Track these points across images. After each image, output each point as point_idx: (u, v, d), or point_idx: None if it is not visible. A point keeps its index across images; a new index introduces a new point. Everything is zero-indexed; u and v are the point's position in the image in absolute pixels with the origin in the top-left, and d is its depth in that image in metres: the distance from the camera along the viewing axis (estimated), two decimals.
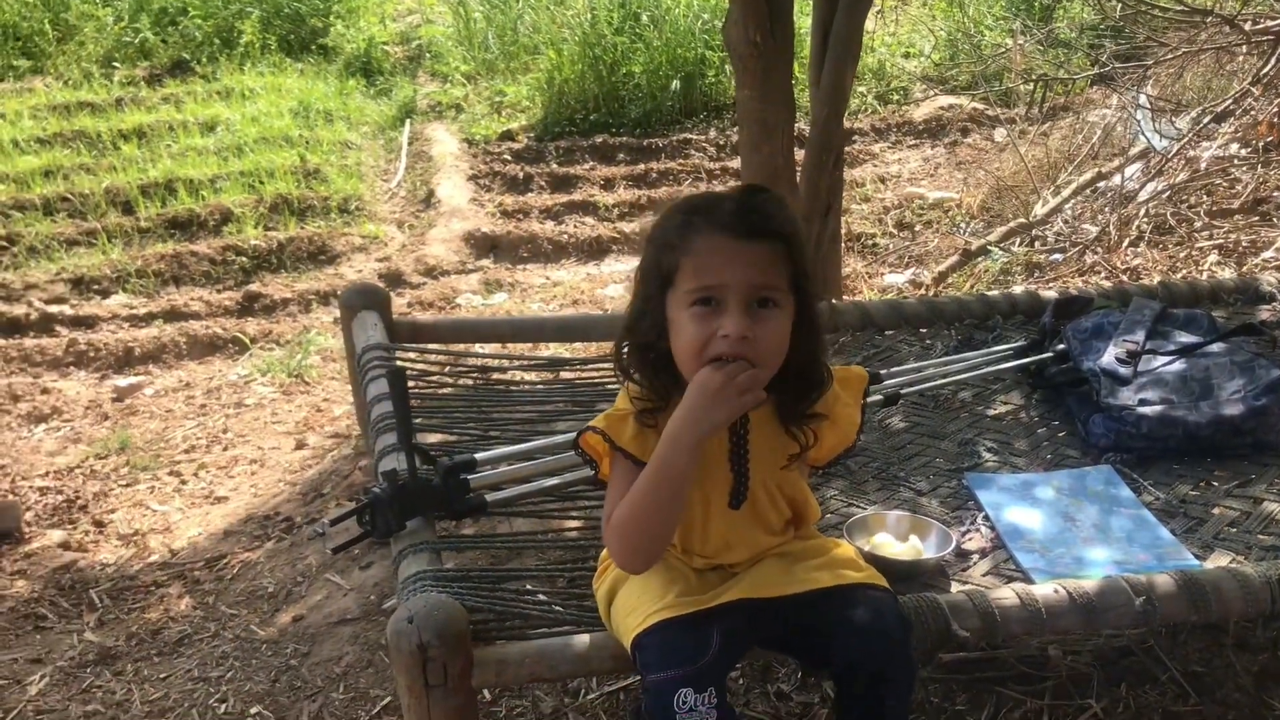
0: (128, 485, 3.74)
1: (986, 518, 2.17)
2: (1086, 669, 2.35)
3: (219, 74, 8.93)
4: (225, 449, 4.08)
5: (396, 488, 1.93)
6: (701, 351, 1.53)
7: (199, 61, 9.14)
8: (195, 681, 2.58)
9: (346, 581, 2.87)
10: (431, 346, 2.82)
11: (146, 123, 7.83)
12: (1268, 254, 4.59)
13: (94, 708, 2.54)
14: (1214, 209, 5.08)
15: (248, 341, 5.15)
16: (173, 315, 5.45)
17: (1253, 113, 5.48)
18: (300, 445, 3.98)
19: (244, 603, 2.89)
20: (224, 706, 2.48)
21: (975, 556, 2.05)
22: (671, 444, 1.54)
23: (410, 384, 2.55)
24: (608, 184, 7.11)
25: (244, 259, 6.05)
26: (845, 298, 4.76)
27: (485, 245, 6.31)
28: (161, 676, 2.63)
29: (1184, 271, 4.59)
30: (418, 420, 2.35)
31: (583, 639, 1.74)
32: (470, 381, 2.80)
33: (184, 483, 3.80)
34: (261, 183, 6.81)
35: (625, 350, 1.65)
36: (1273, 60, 4.91)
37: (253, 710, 2.46)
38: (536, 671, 1.73)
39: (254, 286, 5.79)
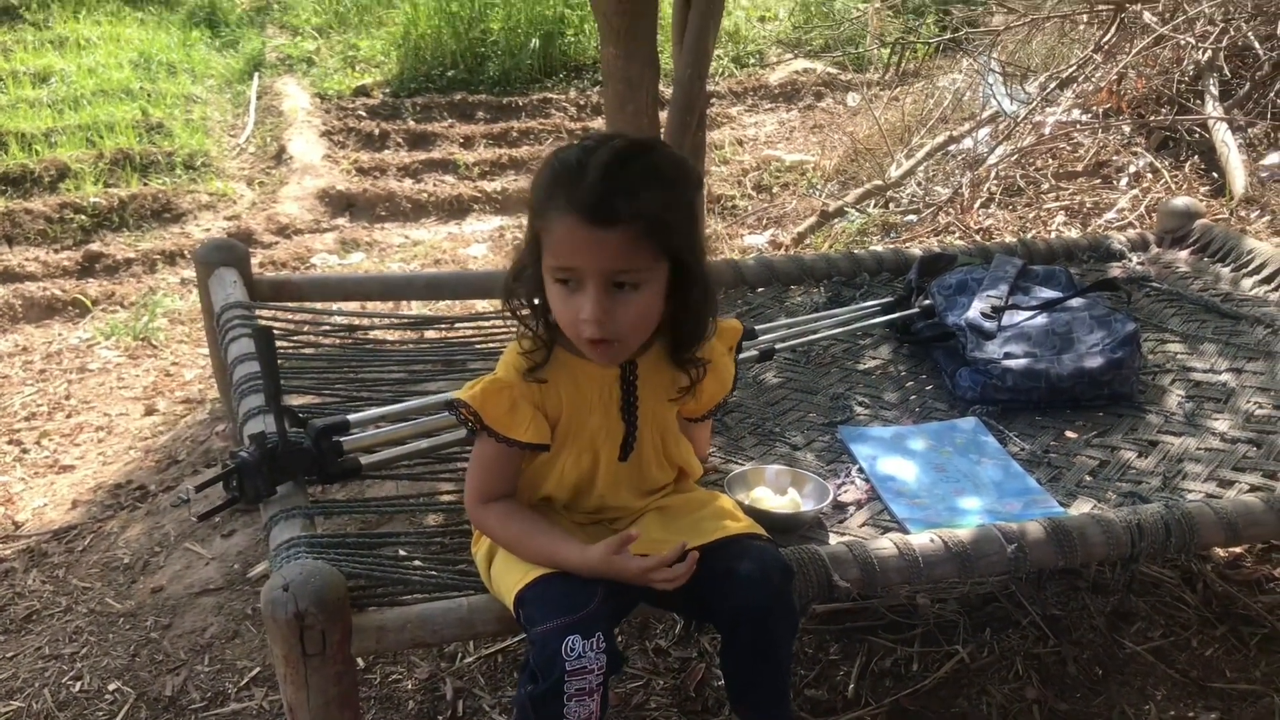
0: None
1: (861, 470, 2.20)
2: (954, 616, 2.43)
3: (51, 22, 8.48)
4: (69, 416, 3.90)
5: (265, 451, 1.84)
6: (571, 326, 1.52)
7: (28, 8, 8.65)
8: (46, 659, 2.45)
9: (208, 550, 2.76)
10: (294, 305, 2.72)
11: None
12: (1110, 214, 4.78)
13: None
14: (1059, 171, 5.26)
15: (89, 304, 4.93)
16: (6, 276, 5.20)
17: (1095, 80, 5.68)
18: (150, 411, 3.82)
19: (98, 575, 2.75)
20: (79, 684, 2.36)
21: (852, 508, 2.08)
22: (576, 563, 1.56)
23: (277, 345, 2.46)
24: (467, 142, 7.00)
25: (83, 217, 5.80)
26: (711, 259, 4.78)
27: (341, 203, 6.16)
28: (8, 655, 2.49)
29: (1034, 231, 4.75)
30: (284, 382, 2.25)
31: (463, 602, 1.70)
32: (336, 341, 2.71)
33: (25, 451, 3.62)
34: (100, 137, 6.52)
35: (514, 297, 1.61)
36: (1113, 29, 5.09)
37: (111, 686, 2.35)
38: (418, 637, 1.69)
39: (95, 246, 5.55)
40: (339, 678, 1.65)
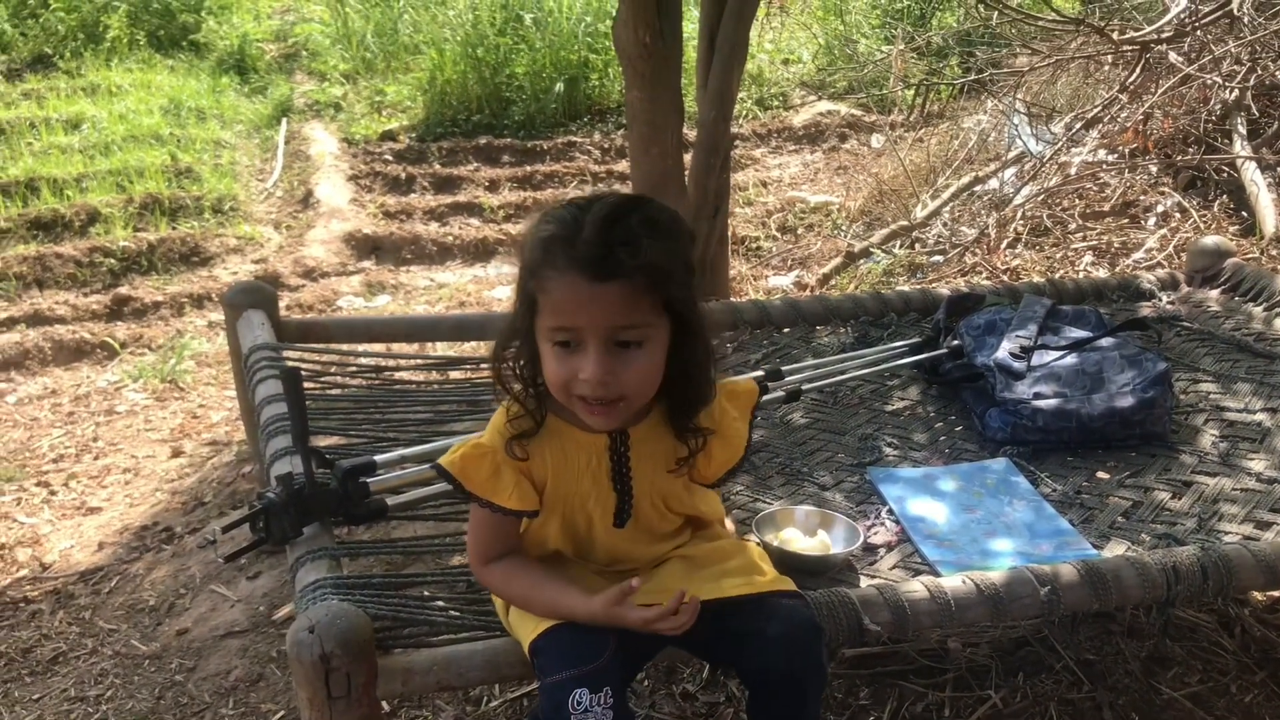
0: None
1: (891, 511, 2.18)
2: (986, 660, 2.39)
3: (84, 69, 8.60)
4: (96, 458, 3.91)
5: (292, 492, 1.84)
6: (566, 387, 1.48)
7: (62, 56, 8.79)
8: (72, 701, 2.45)
9: (233, 592, 2.76)
10: (321, 346, 2.72)
11: (6, 119, 7.51)
12: (1138, 255, 4.75)
13: None
14: (1086, 212, 5.24)
15: (117, 346, 4.97)
16: (36, 319, 5.24)
17: (1120, 120, 5.67)
18: (177, 453, 3.84)
19: (124, 617, 2.75)
20: None
21: (882, 550, 2.06)
22: (582, 614, 1.54)
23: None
24: (492, 185, 7.04)
25: (112, 261, 5.85)
26: (736, 299, 4.79)
27: (367, 247, 6.19)
28: (34, 698, 2.48)
29: (1061, 272, 4.72)
30: (311, 423, 2.25)
31: (490, 644, 1.69)
32: (363, 382, 2.71)
33: (53, 493, 3.63)
34: (130, 182, 6.59)
35: (504, 364, 1.57)
36: (1138, 69, 5.08)
37: None
38: (444, 680, 1.67)
39: (123, 289, 5.59)
40: None
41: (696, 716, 2.28)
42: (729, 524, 1.85)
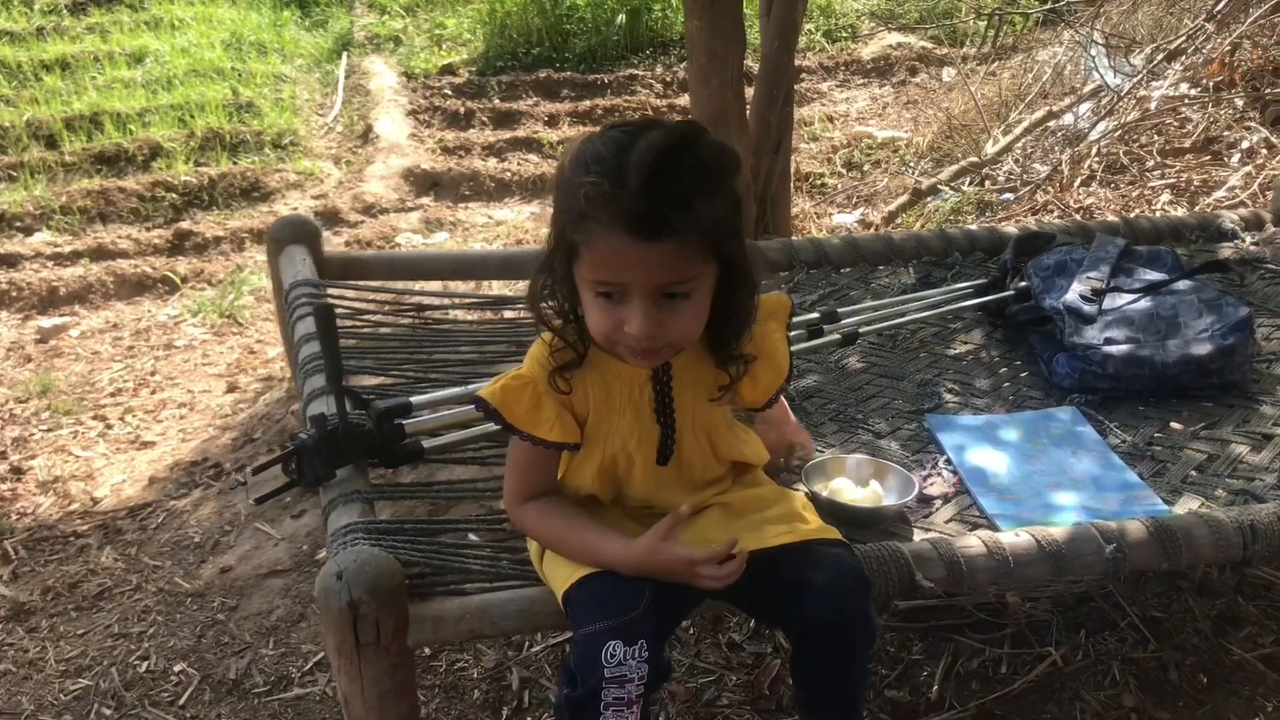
0: (49, 430, 3.57)
1: (949, 461, 2.08)
2: (1046, 616, 2.31)
3: (146, 3, 8.60)
4: (153, 392, 3.93)
5: (325, 433, 1.79)
6: (609, 336, 1.42)
7: None
8: (115, 638, 2.45)
9: (277, 531, 2.74)
10: (364, 284, 2.66)
11: (70, 53, 7.54)
12: (1219, 193, 4.55)
13: (5, 667, 2.40)
14: (1166, 148, 5.02)
15: (178, 281, 4.99)
16: (99, 254, 5.27)
17: (1205, 51, 5.42)
18: (232, 388, 3.84)
19: (168, 554, 2.75)
20: (146, 664, 2.35)
21: (938, 502, 1.96)
22: (620, 558, 1.49)
23: (342, 323, 2.41)
24: (552, 120, 6.94)
25: (174, 196, 5.86)
26: (794, 238, 4.67)
27: (425, 183, 6.14)
28: (79, 633, 2.49)
29: (1137, 210, 4.54)
30: (350, 363, 2.20)
31: (526, 593, 1.63)
32: (407, 321, 2.65)
33: (109, 427, 3.64)
34: (192, 117, 6.60)
35: (542, 301, 1.50)
36: None
37: (176, 668, 2.33)
38: (476, 628, 1.62)
39: (184, 224, 5.61)
40: (394, 669, 1.59)
41: (742, 667, 2.22)
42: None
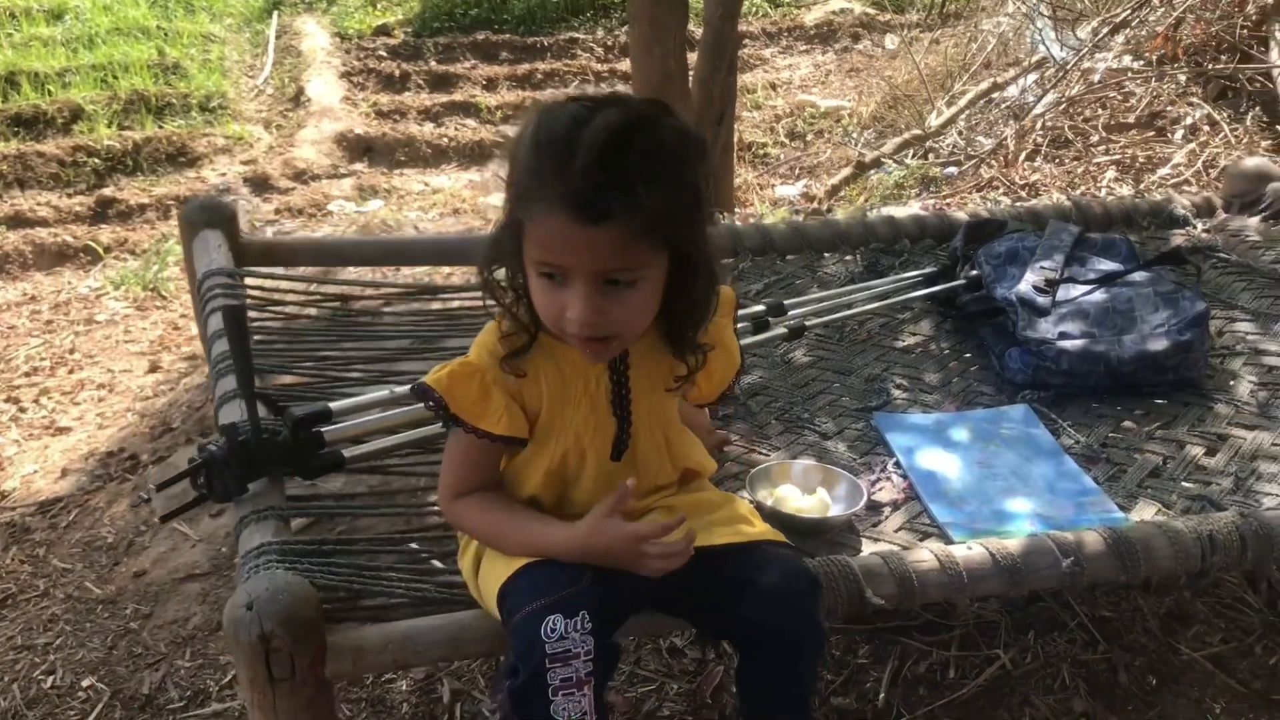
0: None
1: (898, 464, 2.00)
2: (994, 616, 2.26)
3: None
4: (71, 371, 3.77)
5: (236, 444, 1.66)
6: (555, 322, 1.35)
7: None
8: (18, 650, 2.30)
9: (194, 531, 2.60)
10: (283, 271, 2.52)
11: None
12: (1164, 170, 4.52)
13: None
14: (1110, 123, 4.98)
15: (100, 251, 4.83)
16: (17, 221, 5.10)
17: (1150, 24, 5.38)
18: (154, 368, 3.69)
19: (79, 556, 2.60)
20: (51, 679, 2.21)
21: (887, 509, 1.89)
22: (563, 542, 1.42)
23: (258, 315, 2.27)
24: (490, 84, 6.79)
25: (96, 160, 5.68)
26: (737, 211, 4.58)
27: (359, 148, 5.98)
28: None
29: (1083, 187, 4.49)
30: (267, 361, 2.07)
31: (455, 617, 1.53)
32: (328, 311, 2.51)
33: (22, 410, 3.49)
34: (115, 78, 6.39)
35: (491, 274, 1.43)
36: None
37: (85, 683, 2.19)
38: (400, 658, 1.52)
39: (107, 191, 5.45)
40: (310, 703, 1.48)
41: (684, 674, 2.15)
42: None
